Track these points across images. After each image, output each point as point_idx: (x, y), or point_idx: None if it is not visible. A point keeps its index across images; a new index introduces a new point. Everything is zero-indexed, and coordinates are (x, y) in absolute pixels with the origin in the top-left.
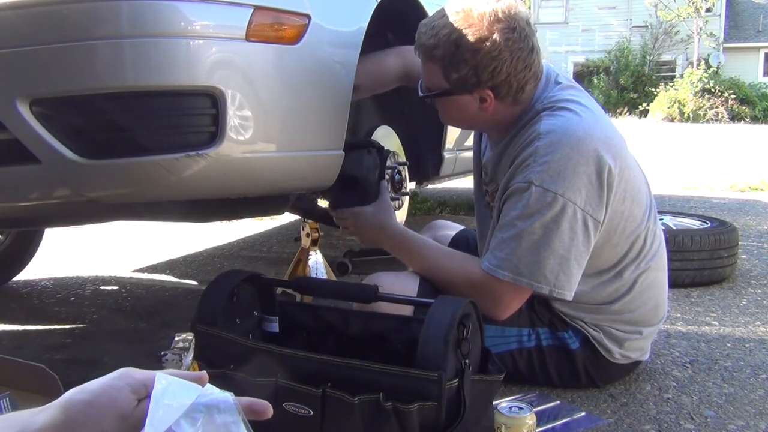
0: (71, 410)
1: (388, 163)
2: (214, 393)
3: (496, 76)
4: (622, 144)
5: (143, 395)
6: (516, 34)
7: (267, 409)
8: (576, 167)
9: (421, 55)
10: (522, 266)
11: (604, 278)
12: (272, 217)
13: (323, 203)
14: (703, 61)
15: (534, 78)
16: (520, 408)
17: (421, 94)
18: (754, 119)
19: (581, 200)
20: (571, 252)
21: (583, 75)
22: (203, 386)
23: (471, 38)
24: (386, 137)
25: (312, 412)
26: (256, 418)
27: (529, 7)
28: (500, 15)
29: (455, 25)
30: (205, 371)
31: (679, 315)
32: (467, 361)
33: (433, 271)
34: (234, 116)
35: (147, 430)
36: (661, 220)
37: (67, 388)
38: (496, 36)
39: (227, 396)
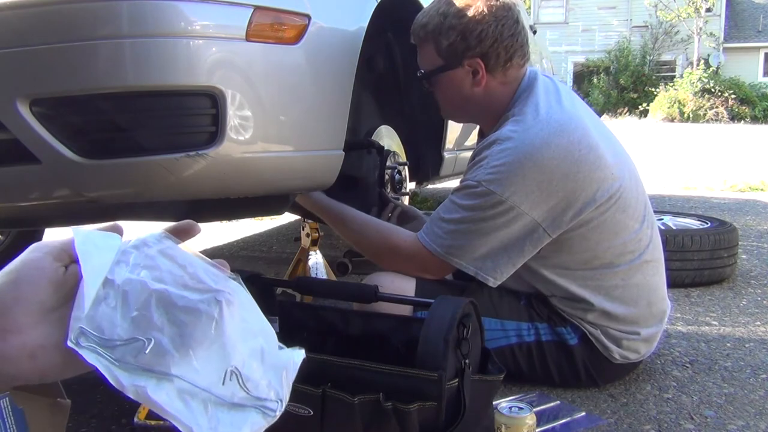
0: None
1: (388, 163)
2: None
3: (483, 41)
4: (592, 149)
5: (67, 261)
6: (499, 3)
7: (193, 226)
8: (526, 174)
9: (416, 38)
10: (454, 247)
11: (590, 274)
12: (272, 217)
13: None
14: (703, 61)
15: (521, 51)
16: (520, 408)
17: (419, 74)
18: (754, 119)
19: (527, 205)
20: (504, 245)
21: (583, 75)
22: (121, 236)
23: (456, 7)
24: (386, 137)
25: (312, 412)
26: (187, 237)
27: (529, 7)
28: None
29: (442, 2)
30: (117, 222)
31: (679, 315)
32: (467, 361)
33: (362, 232)
34: (234, 116)
35: (86, 283)
36: (661, 220)
37: (66, 388)
38: (479, 3)
39: (152, 231)
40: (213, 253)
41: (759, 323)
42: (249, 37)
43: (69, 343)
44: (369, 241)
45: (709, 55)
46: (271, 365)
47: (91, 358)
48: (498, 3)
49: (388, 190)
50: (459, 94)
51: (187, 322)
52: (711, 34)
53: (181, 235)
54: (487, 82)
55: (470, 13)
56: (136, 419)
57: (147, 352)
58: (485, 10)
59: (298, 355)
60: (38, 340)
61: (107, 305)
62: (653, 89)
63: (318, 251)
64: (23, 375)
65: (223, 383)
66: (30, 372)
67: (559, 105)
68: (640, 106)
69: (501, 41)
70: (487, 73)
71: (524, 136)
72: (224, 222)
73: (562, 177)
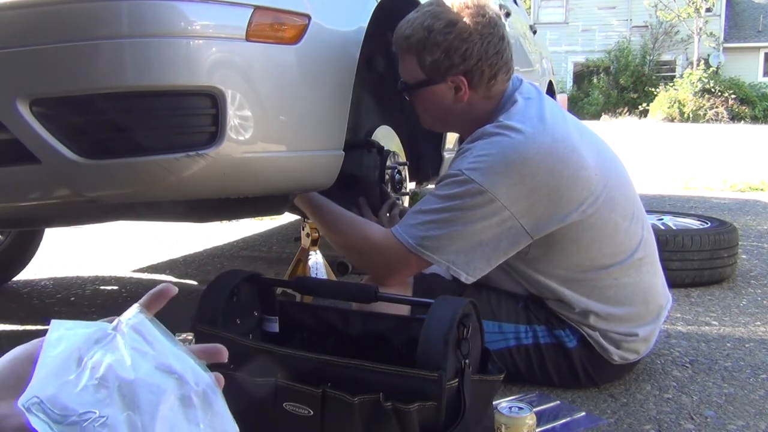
0: None
1: (388, 163)
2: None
3: (468, 59)
4: (575, 149)
5: None
6: (485, 19)
7: (169, 288)
8: (509, 166)
9: (398, 48)
10: (427, 239)
11: (583, 276)
12: (272, 217)
13: None
14: (703, 61)
15: (506, 68)
16: (520, 408)
17: (400, 84)
18: (754, 119)
19: (507, 199)
20: (479, 241)
21: (583, 75)
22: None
23: (442, 22)
24: (386, 137)
25: (312, 412)
26: (165, 300)
27: (529, 7)
28: (469, 3)
29: (427, 14)
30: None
31: (679, 315)
32: (467, 361)
33: (334, 223)
34: (234, 116)
35: (43, 351)
36: (660, 220)
37: None
38: (465, 19)
39: (128, 311)
40: (213, 253)
41: (759, 323)
42: (249, 37)
43: (19, 404)
44: (340, 233)
45: (709, 55)
46: None
47: (36, 423)
48: (484, 20)
49: (388, 190)
50: (440, 107)
51: (145, 410)
52: (711, 34)
53: (159, 300)
54: (470, 97)
55: (456, 30)
56: None
57: (97, 425)
58: (471, 27)
59: None
60: (4, 410)
61: (68, 378)
62: (653, 89)
63: (318, 251)
64: None
65: None
66: None
67: (542, 110)
68: (640, 106)
69: (486, 59)
70: (470, 90)
71: (510, 132)
72: (224, 222)
73: (546, 173)
